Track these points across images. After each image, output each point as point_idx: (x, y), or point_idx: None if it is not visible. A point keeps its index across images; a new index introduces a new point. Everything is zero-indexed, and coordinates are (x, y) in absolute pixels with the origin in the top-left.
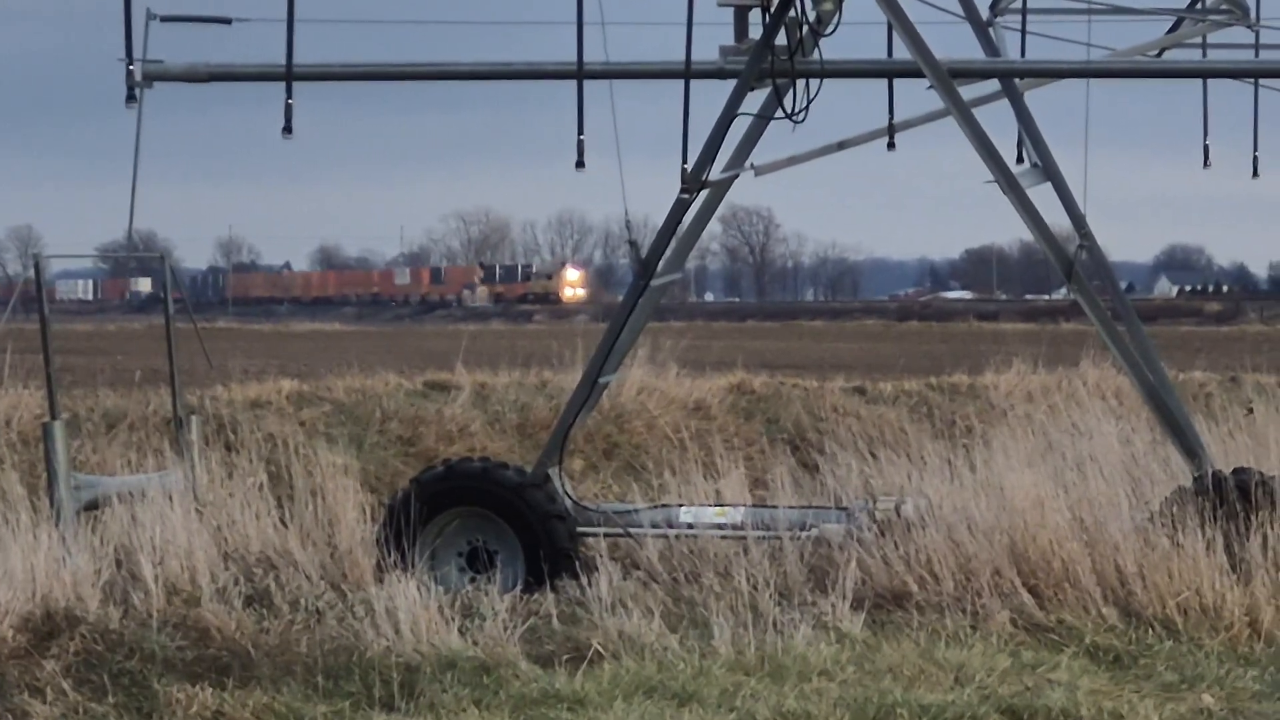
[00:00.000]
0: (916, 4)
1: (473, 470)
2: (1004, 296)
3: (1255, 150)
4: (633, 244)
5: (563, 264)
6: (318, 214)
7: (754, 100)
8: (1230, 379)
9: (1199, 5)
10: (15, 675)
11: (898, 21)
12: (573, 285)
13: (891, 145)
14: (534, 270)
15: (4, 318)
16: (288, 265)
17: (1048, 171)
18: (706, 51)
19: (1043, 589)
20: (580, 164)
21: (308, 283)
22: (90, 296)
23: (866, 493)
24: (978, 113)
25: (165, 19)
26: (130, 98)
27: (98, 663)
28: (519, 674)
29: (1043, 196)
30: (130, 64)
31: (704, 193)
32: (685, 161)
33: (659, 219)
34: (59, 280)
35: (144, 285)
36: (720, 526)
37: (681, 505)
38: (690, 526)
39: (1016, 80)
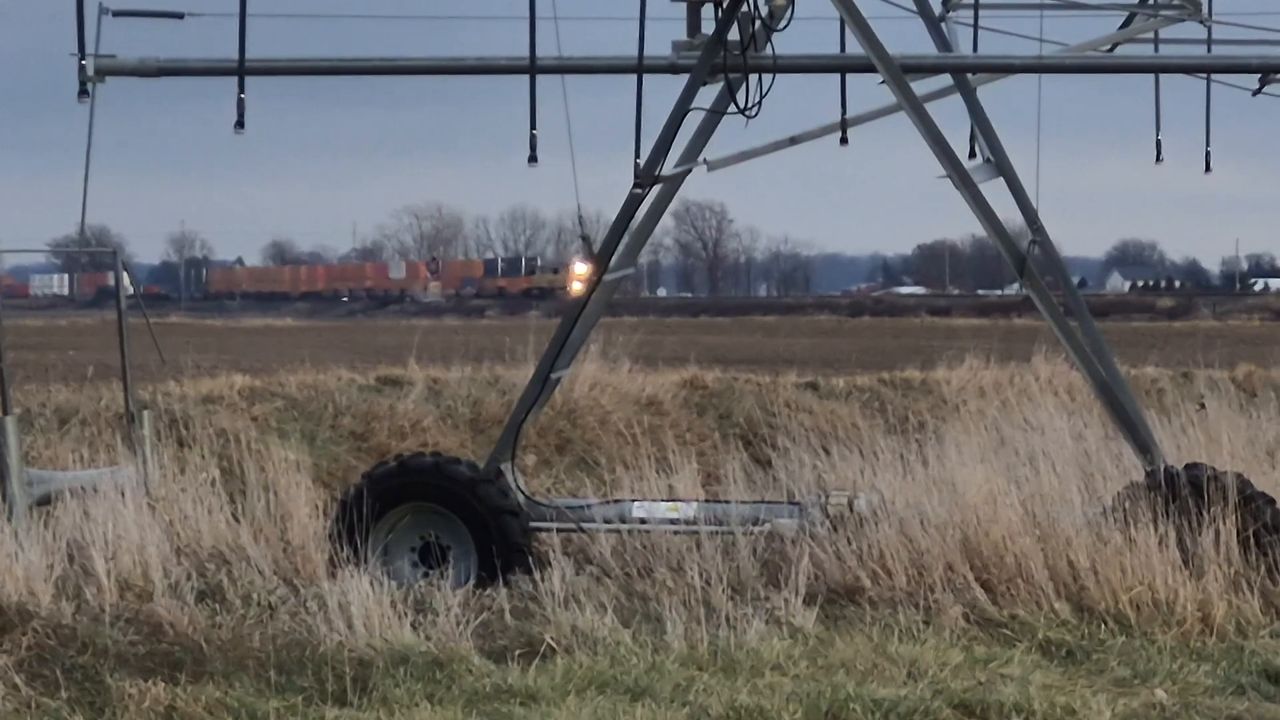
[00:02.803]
0: None
1: (425, 465)
2: (956, 292)
3: (1208, 146)
4: (585, 239)
5: (557, 258)
6: (269, 209)
7: (707, 95)
8: (1182, 374)
9: (1151, 1)
10: None
11: (850, 17)
12: (581, 279)
13: (844, 140)
14: (539, 264)
15: None
16: (240, 260)
17: (1000, 167)
18: (659, 47)
19: (995, 584)
20: (533, 159)
21: (296, 277)
22: (65, 292)
23: (819, 488)
24: (930, 108)
25: (117, 14)
26: (82, 92)
27: (50, 657)
28: (472, 669)
29: (995, 191)
30: (82, 59)
31: (657, 188)
32: (638, 156)
33: (612, 214)
34: (34, 276)
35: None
36: (673, 521)
37: (634, 500)
38: (643, 521)
39: (969, 75)
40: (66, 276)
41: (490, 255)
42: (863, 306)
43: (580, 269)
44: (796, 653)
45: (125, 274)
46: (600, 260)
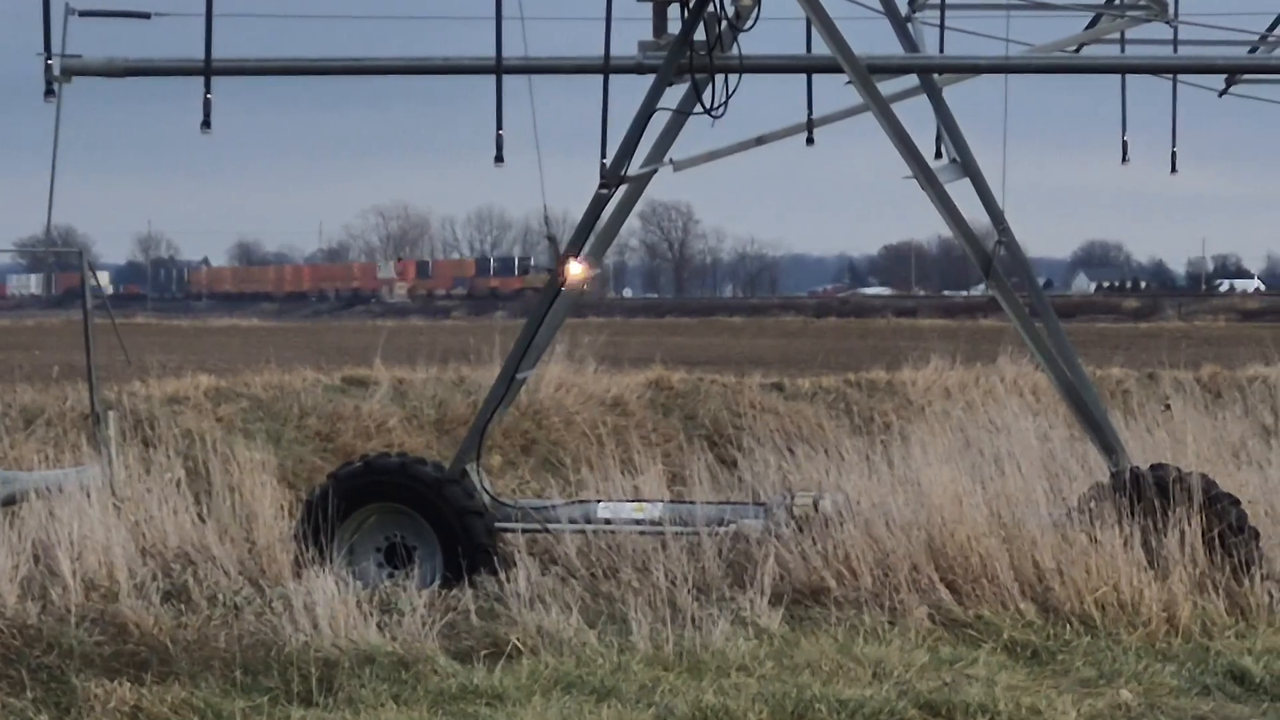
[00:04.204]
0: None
1: (390, 466)
2: (922, 293)
3: (1174, 146)
4: (551, 239)
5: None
6: (235, 209)
7: (673, 95)
8: (1148, 375)
9: (1117, 1)
10: None
11: (816, 17)
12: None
13: (810, 141)
14: (532, 263)
15: None
16: (206, 261)
17: (966, 167)
18: (625, 47)
19: (960, 585)
20: (499, 159)
21: (280, 277)
22: (41, 292)
23: (784, 489)
24: (896, 108)
25: (84, 14)
26: (49, 92)
27: (15, 658)
28: (437, 669)
29: (961, 192)
30: (49, 58)
31: (623, 188)
32: (604, 157)
33: (578, 214)
34: (11, 276)
35: (101, 279)
36: (638, 522)
37: (600, 501)
38: (608, 522)
39: (935, 76)
40: (43, 277)
41: (469, 254)
42: (829, 307)
43: (576, 269)
44: (762, 653)
45: (94, 274)
46: (565, 260)
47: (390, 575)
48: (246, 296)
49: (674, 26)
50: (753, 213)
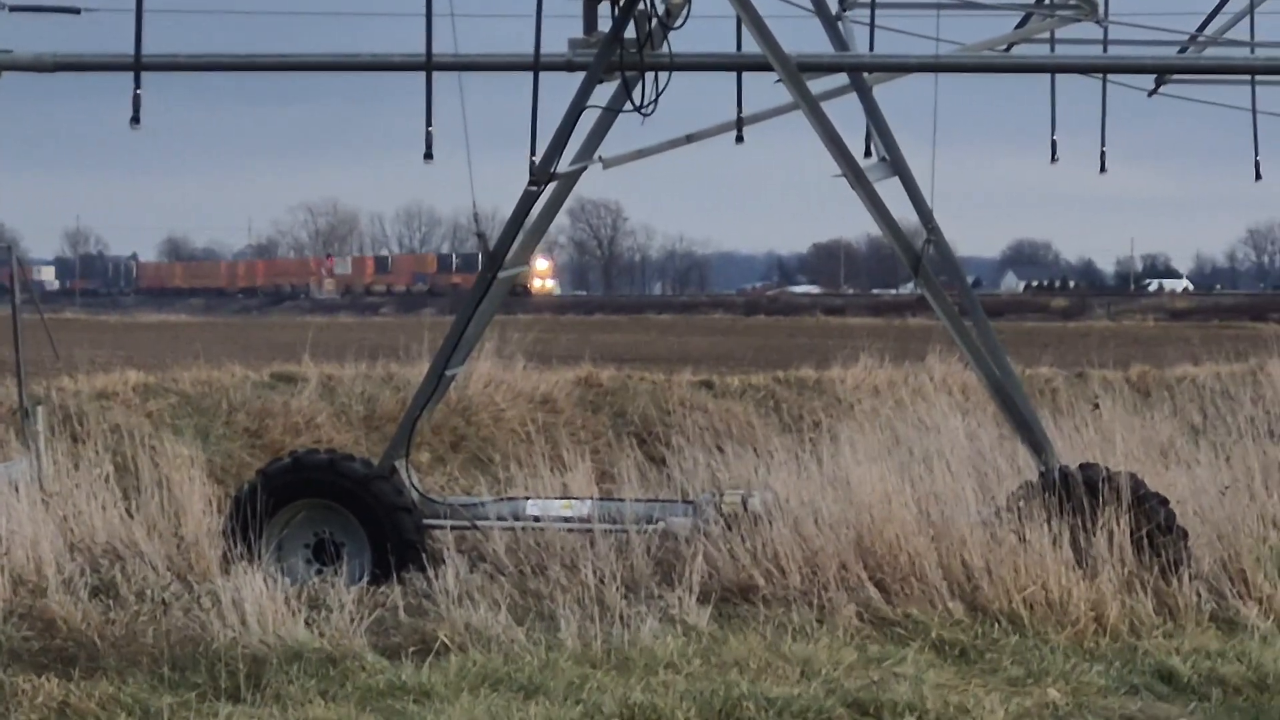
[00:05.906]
0: None
1: (319, 462)
2: (851, 291)
3: (1103, 146)
4: (481, 236)
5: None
6: (165, 205)
7: (603, 93)
8: (1076, 375)
9: (1047, 1)
10: None
11: (747, 15)
12: (542, 276)
13: (740, 139)
14: None
15: None
16: (135, 256)
17: (896, 166)
18: (556, 44)
19: (889, 583)
20: (428, 156)
21: (233, 273)
22: None
23: (713, 486)
24: (826, 107)
25: (14, 9)
26: None
27: None
28: (365, 666)
29: (890, 191)
30: None
31: (552, 185)
32: (533, 154)
33: (507, 211)
34: None
35: (46, 274)
36: (567, 519)
37: (528, 498)
38: (537, 519)
39: (865, 74)
40: None
41: (398, 250)
42: (758, 305)
43: (541, 265)
44: (690, 651)
45: (22, 269)
46: (494, 258)
47: (319, 572)
48: (198, 291)
49: (605, 24)
50: (682, 210)
